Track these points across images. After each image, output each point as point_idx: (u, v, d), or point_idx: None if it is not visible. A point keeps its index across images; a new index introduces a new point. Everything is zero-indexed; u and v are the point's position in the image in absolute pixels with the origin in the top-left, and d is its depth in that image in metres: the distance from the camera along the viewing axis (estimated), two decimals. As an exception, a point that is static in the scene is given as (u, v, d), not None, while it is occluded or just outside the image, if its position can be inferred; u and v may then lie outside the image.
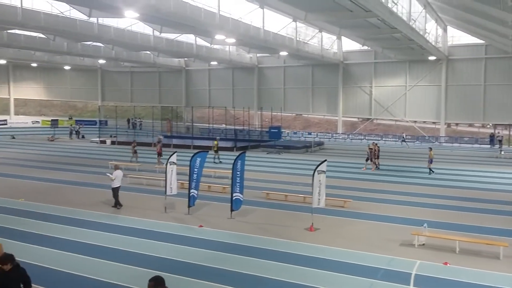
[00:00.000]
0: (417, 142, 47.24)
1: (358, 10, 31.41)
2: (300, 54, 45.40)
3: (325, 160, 15.08)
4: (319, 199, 14.54)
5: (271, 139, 41.66)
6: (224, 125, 49.54)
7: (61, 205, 17.43)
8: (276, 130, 42.88)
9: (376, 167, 27.85)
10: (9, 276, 6.59)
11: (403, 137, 46.56)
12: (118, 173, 17.16)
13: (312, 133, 51.51)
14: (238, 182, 15.94)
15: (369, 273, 10.72)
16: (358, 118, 55.54)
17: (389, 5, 29.91)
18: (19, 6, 28.02)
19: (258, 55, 55.78)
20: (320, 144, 42.86)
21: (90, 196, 19.08)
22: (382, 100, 51.02)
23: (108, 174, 17.64)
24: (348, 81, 52.62)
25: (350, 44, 50.80)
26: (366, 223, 15.37)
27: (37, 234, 13.66)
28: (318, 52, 46.69)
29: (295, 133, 53.33)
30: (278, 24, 40.39)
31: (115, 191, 17.05)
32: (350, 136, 51.07)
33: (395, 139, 48.19)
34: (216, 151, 30.21)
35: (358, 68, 52.44)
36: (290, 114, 58.98)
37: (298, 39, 42.16)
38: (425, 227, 12.90)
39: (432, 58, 46.46)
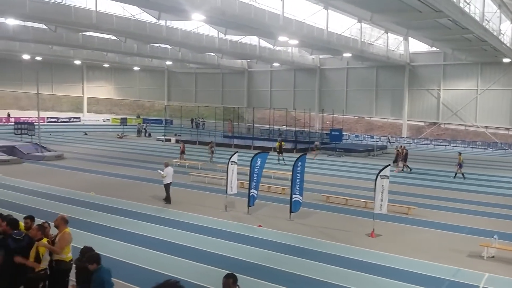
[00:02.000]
0: (488, 148, 44.75)
1: (427, 11, 30.22)
2: (364, 56, 44.44)
3: (389, 165, 14.69)
4: (381, 205, 14.15)
5: (332, 142, 41.13)
6: (284, 127, 49.56)
7: (127, 200, 18.25)
8: (337, 133, 42.26)
9: (409, 170, 28.29)
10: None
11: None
12: (169, 170, 17.83)
13: (374, 137, 50.23)
14: (297, 184, 15.89)
15: (433, 283, 10.30)
16: (425, 122, 53.32)
17: (461, 5, 28.62)
18: (94, 9, 29.78)
19: (320, 56, 55.28)
20: (383, 148, 41.73)
21: (153, 192, 19.76)
22: (450, 103, 48.81)
23: (159, 171, 18.29)
24: (415, 84, 50.79)
25: (417, 45, 48.95)
26: (430, 232, 14.77)
27: (105, 226, 14.39)
28: (384, 54, 45.46)
29: (356, 136, 52.27)
30: (343, 25, 39.84)
31: (167, 187, 17.75)
32: (415, 140, 49.26)
33: (464, 145, 45.84)
34: (280, 152, 30.31)
35: (425, 70, 50.48)
36: (352, 117, 57.88)
37: (362, 40, 41.31)
38: (495, 238, 12.20)
39: (506, 60, 43.72)
